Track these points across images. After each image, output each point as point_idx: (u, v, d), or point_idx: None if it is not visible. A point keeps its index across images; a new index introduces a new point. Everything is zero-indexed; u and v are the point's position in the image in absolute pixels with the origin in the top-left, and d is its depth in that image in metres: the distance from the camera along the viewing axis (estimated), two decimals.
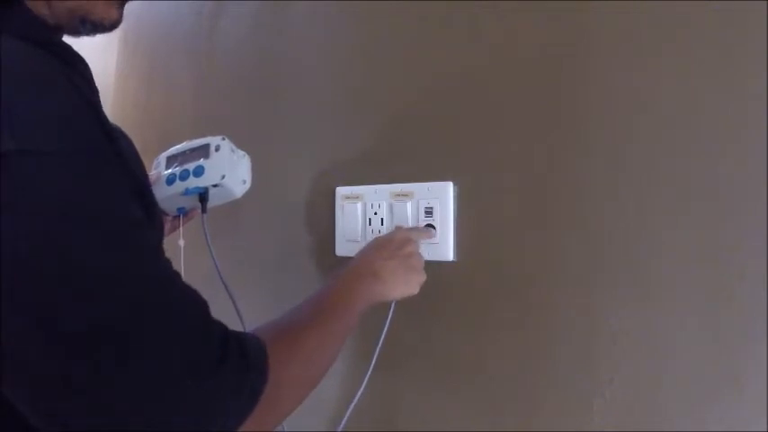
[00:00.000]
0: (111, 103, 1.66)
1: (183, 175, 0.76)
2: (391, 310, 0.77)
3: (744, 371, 0.57)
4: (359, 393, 0.76)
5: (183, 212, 0.83)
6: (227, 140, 0.77)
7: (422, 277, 0.72)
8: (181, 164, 0.78)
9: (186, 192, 0.75)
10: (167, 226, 0.85)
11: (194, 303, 0.43)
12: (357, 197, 0.89)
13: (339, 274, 0.66)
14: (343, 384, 0.92)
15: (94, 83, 0.50)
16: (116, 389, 0.37)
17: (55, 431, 0.38)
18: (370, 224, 0.87)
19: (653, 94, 0.64)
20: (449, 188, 0.80)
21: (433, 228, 0.80)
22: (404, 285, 0.69)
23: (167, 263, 0.44)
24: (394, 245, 0.71)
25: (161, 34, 1.50)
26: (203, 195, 0.76)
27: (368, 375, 0.77)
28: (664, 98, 0.63)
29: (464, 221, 0.79)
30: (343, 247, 0.92)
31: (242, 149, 0.80)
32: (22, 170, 0.36)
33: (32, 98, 0.38)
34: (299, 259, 1.01)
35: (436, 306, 0.81)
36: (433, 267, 0.81)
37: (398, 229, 0.78)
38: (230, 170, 0.76)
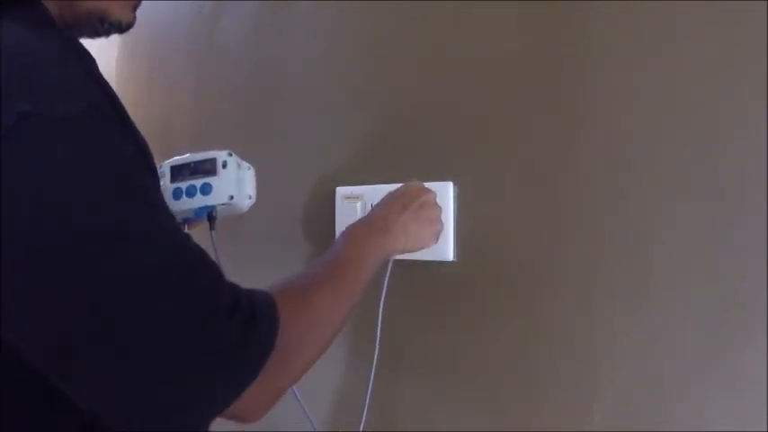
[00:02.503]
0: None
1: (191, 191, 0.76)
2: (388, 270, 0.76)
3: (744, 371, 0.57)
4: (369, 389, 0.76)
5: (188, 223, 0.83)
6: (233, 156, 0.77)
7: (437, 227, 0.72)
8: (187, 178, 0.77)
9: (195, 214, 0.76)
10: None
11: (206, 263, 0.44)
12: (357, 197, 0.89)
13: (352, 229, 0.65)
14: (346, 377, 0.92)
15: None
16: (128, 344, 0.38)
17: (70, 385, 0.39)
18: None
19: (653, 95, 0.64)
20: (449, 188, 0.80)
21: None
22: (415, 238, 0.69)
23: (179, 227, 0.45)
24: (407, 197, 0.70)
25: (161, 34, 1.49)
26: (211, 214, 0.76)
27: (374, 362, 0.76)
28: (664, 98, 0.63)
29: (464, 221, 0.79)
30: None
31: (246, 161, 0.79)
32: (36, 131, 0.37)
33: (47, 69, 0.40)
34: (298, 259, 1.01)
35: (436, 306, 0.81)
36: (433, 267, 0.81)
37: (413, 182, 0.77)
38: (238, 188, 0.77)
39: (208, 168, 0.77)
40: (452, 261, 0.79)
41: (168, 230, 0.43)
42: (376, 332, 0.75)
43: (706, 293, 0.59)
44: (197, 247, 0.45)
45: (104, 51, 1.70)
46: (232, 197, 0.75)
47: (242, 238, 1.13)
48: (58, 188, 0.37)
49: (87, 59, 0.46)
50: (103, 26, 0.55)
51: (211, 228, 0.77)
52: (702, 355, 0.59)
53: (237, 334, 0.42)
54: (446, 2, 0.82)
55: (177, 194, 0.76)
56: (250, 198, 0.80)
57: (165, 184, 0.78)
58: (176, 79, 1.40)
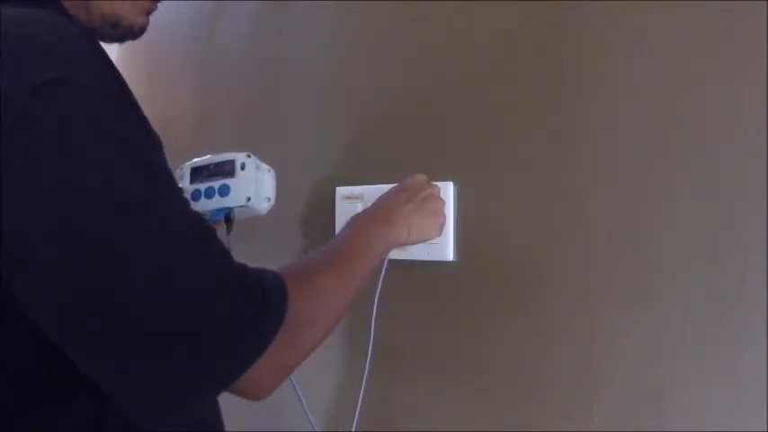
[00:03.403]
0: None
1: (209, 193, 0.76)
2: (384, 266, 0.76)
3: (744, 371, 0.57)
4: (362, 385, 0.76)
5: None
6: (252, 158, 0.77)
7: (440, 220, 0.74)
8: (206, 179, 0.78)
9: (212, 215, 0.75)
10: None
11: (216, 240, 0.45)
12: (357, 197, 0.89)
13: (357, 219, 0.67)
14: (340, 376, 0.92)
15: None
16: (135, 312, 0.38)
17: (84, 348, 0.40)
18: None
19: (653, 95, 0.64)
20: (449, 188, 0.79)
21: None
22: (419, 230, 0.71)
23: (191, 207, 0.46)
24: (411, 190, 0.72)
25: (161, 34, 1.49)
26: (229, 216, 0.76)
27: (368, 361, 0.76)
28: (664, 98, 0.63)
29: (464, 221, 0.79)
30: None
31: (266, 164, 0.79)
32: (60, 97, 0.38)
33: (71, 45, 0.41)
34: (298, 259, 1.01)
35: (436, 306, 0.81)
36: (433, 267, 0.81)
37: (418, 175, 0.78)
38: (256, 191, 0.76)
39: (226, 170, 0.76)
40: (452, 261, 0.79)
41: (180, 206, 0.43)
42: (370, 331, 0.75)
43: (706, 293, 0.59)
44: (208, 225, 0.45)
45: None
46: (249, 199, 0.75)
47: (242, 237, 1.12)
48: (78, 156, 0.38)
49: (100, 48, 0.47)
50: (116, 31, 0.55)
51: (228, 230, 0.76)
52: (702, 355, 0.59)
53: (247, 306, 0.42)
54: (446, 2, 0.82)
55: (196, 196, 0.76)
56: (269, 200, 0.79)
57: (185, 185, 0.78)
58: (176, 79, 1.40)
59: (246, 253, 1.09)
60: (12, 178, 0.37)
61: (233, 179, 0.75)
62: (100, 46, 0.44)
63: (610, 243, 0.66)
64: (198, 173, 0.79)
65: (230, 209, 0.75)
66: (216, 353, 0.41)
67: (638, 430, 0.63)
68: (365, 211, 0.70)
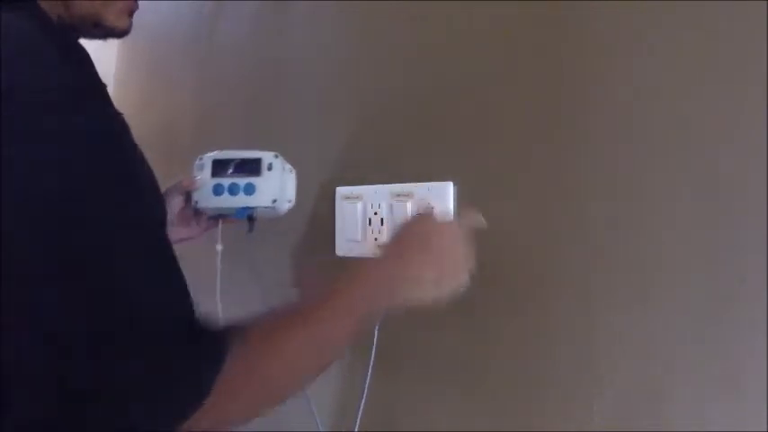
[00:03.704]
0: None
1: (233, 190, 0.74)
2: None
3: (744, 371, 0.57)
4: (365, 389, 0.76)
5: (222, 218, 0.82)
6: (279, 158, 0.76)
7: (464, 266, 0.60)
8: (230, 174, 0.76)
9: (237, 213, 0.75)
10: (202, 226, 0.85)
11: (176, 269, 0.44)
12: (357, 197, 0.89)
13: (356, 273, 0.58)
14: (345, 377, 0.92)
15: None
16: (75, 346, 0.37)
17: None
18: (370, 224, 0.87)
19: (653, 95, 0.64)
20: (449, 188, 0.80)
21: None
22: (441, 286, 0.60)
23: (166, 239, 0.44)
24: (419, 239, 0.60)
25: (161, 34, 1.49)
26: (252, 216, 0.75)
27: (370, 367, 0.76)
28: (664, 98, 0.63)
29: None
30: (343, 247, 0.92)
31: (289, 164, 0.78)
32: (17, 104, 0.38)
33: (28, 57, 0.40)
34: (298, 259, 1.01)
35: (436, 306, 0.81)
36: None
37: (428, 214, 0.65)
38: (281, 192, 0.75)
39: (252, 168, 0.75)
40: None
41: (146, 224, 0.43)
42: (373, 332, 0.75)
43: (706, 293, 0.59)
44: (170, 249, 0.44)
45: (104, 52, 1.70)
46: (275, 201, 0.74)
47: (241, 237, 1.12)
48: (40, 163, 0.38)
49: (73, 45, 0.46)
50: (98, 30, 0.55)
51: (250, 230, 0.75)
52: (702, 356, 0.59)
53: (187, 357, 0.41)
54: (446, 2, 0.82)
55: (218, 190, 0.75)
56: (290, 202, 0.79)
57: (205, 177, 0.77)
58: (176, 79, 1.41)
59: (247, 253, 1.10)
60: None
61: (259, 178, 0.75)
62: (73, 48, 0.44)
63: (610, 243, 0.66)
64: (221, 166, 0.77)
65: (254, 209, 0.74)
66: (156, 399, 0.39)
67: (638, 430, 0.63)
68: (367, 264, 0.58)
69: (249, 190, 0.74)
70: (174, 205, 0.80)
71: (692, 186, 0.61)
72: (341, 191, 0.92)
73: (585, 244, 0.68)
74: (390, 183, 0.86)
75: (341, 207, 0.92)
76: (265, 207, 0.75)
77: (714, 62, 0.60)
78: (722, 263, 0.58)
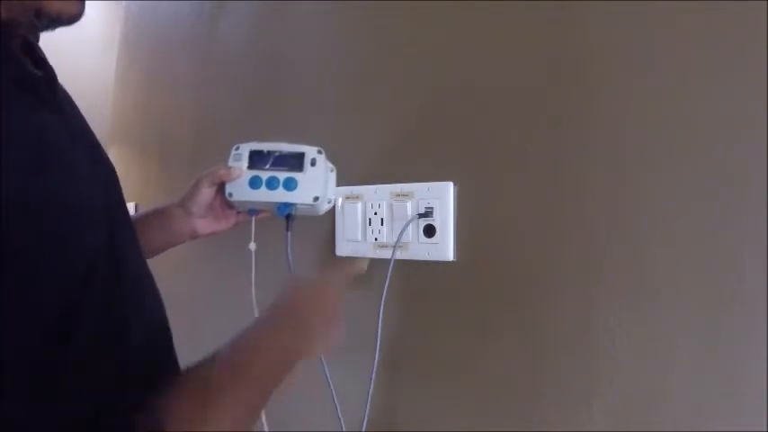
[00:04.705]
0: (112, 104, 1.66)
1: (272, 183, 0.70)
2: (389, 272, 0.74)
3: (744, 371, 0.57)
4: (370, 391, 0.76)
5: (254, 214, 0.78)
6: (323, 154, 0.72)
7: (340, 330, 0.64)
8: (269, 168, 0.71)
9: (278, 210, 0.70)
10: (230, 220, 0.81)
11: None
12: (357, 197, 0.89)
13: (271, 327, 0.57)
14: (347, 378, 0.92)
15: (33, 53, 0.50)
16: None
17: None
18: (370, 224, 0.87)
19: (653, 95, 0.64)
20: (449, 188, 0.80)
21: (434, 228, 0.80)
22: (328, 341, 0.62)
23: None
24: (324, 295, 0.63)
25: (161, 34, 1.50)
26: (291, 213, 0.71)
27: (375, 363, 0.76)
28: (664, 98, 0.63)
29: (464, 221, 0.79)
30: (343, 247, 0.92)
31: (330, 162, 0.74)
32: None
33: None
34: (297, 259, 1.01)
35: (436, 306, 0.81)
36: (433, 267, 0.81)
37: (321, 277, 0.69)
38: (323, 190, 0.71)
39: (294, 163, 0.71)
40: (452, 261, 0.79)
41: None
42: (377, 333, 0.75)
43: (706, 294, 0.59)
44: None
45: (105, 52, 1.70)
46: (317, 198, 0.70)
47: (241, 237, 1.12)
48: None
49: None
50: (41, 21, 0.50)
51: (288, 228, 0.71)
52: (702, 356, 0.59)
53: None
54: (446, 2, 0.82)
55: (255, 183, 0.71)
56: (329, 203, 0.75)
57: (242, 168, 0.72)
58: (176, 79, 1.41)
59: (246, 253, 1.09)
60: None
61: (301, 174, 0.70)
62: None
63: (610, 243, 0.66)
64: (259, 158, 0.72)
65: (294, 206, 0.70)
66: None
67: (638, 430, 0.63)
68: (282, 318, 0.58)
69: (290, 185, 0.69)
70: (205, 196, 0.76)
71: (692, 186, 0.61)
72: (341, 191, 0.92)
73: (585, 244, 0.68)
74: (390, 183, 0.86)
75: (341, 207, 0.92)
76: (306, 205, 0.70)
77: (714, 62, 0.60)
78: (722, 263, 0.58)
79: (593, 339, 0.66)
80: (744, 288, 0.57)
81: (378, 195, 0.87)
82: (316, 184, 0.70)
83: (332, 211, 0.94)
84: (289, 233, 0.70)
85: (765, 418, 0.55)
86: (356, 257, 0.78)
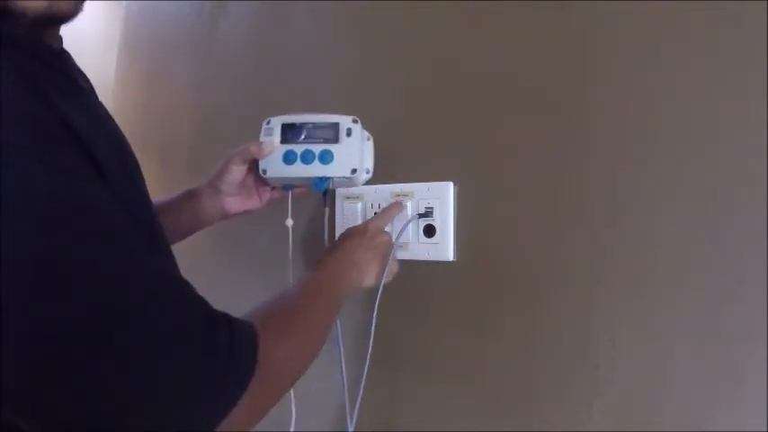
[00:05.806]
0: (112, 104, 1.66)
1: (307, 157, 0.67)
2: (379, 293, 0.75)
3: (744, 371, 0.57)
4: (360, 390, 0.76)
5: (290, 189, 0.75)
6: (359, 124, 0.69)
7: (394, 266, 0.75)
8: (302, 141, 0.69)
9: (315, 185, 0.68)
10: (264, 197, 0.82)
11: (185, 292, 0.44)
12: (357, 197, 0.89)
13: (323, 264, 0.66)
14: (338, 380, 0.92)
15: (70, 69, 0.51)
16: (98, 384, 0.37)
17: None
18: None
19: (653, 95, 0.64)
20: (449, 188, 0.80)
21: (434, 227, 0.80)
22: (377, 274, 0.72)
23: (144, 250, 0.42)
24: (368, 235, 0.71)
25: (161, 34, 1.50)
26: (328, 188, 0.69)
27: (367, 361, 0.76)
28: (664, 98, 0.63)
29: (464, 221, 0.79)
30: None
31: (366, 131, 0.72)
32: None
33: None
34: (297, 259, 1.01)
35: (436, 306, 0.81)
36: (433, 267, 0.81)
37: (370, 220, 0.77)
38: (361, 162, 0.68)
39: (329, 134, 0.68)
40: (452, 261, 0.79)
41: (136, 263, 0.41)
42: (370, 331, 0.75)
43: (706, 294, 0.59)
44: (175, 275, 0.45)
45: (105, 52, 1.70)
46: (355, 170, 0.67)
47: (241, 237, 1.12)
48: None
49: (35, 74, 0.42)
50: (47, 21, 0.47)
51: (326, 204, 0.70)
52: (702, 356, 0.59)
53: (218, 363, 0.42)
54: (446, 2, 0.82)
55: (290, 158, 0.68)
56: (368, 173, 0.72)
57: (275, 143, 0.70)
58: (176, 79, 1.41)
59: (247, 253, 1.10)
60: None
61: (337, 146, 0.67)
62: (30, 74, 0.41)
63: (610, 243, 0.66)
64: (292, 132, 0.70)
65: (330, 179, 0.68)
66: (188, 409, 0.40)
67: (638, 430, 0.63)
68: (328, 255, 0.68)
69: (326, 158, 0.67)
70: (235, 174, 0.76)
71: (691, 186, 0.61)
72: (341, 191, 0.92)
73: (585, 244, 0.68)
74: (390, 183, 0.86)
75: (341, 207, 0.92)
76: (344, 177, 0.68)
77: (714, 62, 0.60)
78: (722, 263, 0.58)
79: (593, 339, 0.66)
80: (744, 288, 0.57)
81: (378, 195, 0.87)
82: (352, 156, 0.68)
83: (332, 212, 0.94)
84: (327, 209, 0.70)
85: (765, 418, 0.55)
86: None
